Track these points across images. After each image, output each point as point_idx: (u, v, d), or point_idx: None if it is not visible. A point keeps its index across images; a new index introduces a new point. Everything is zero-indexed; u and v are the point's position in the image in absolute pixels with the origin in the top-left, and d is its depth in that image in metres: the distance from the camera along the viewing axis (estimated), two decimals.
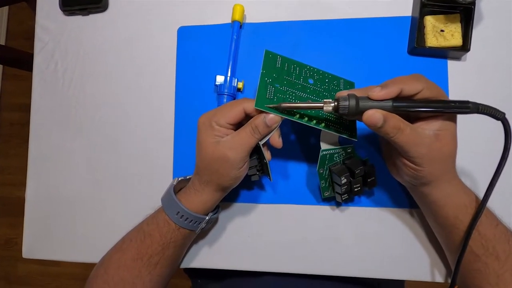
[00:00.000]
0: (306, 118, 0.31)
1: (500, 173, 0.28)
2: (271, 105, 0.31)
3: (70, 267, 1.13)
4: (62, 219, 0.44)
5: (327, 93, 0.35)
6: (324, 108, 0.29)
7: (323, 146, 0.34)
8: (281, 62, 0.34)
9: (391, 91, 0.28)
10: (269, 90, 0.32)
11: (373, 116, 0.28)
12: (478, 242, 0.30)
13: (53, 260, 0.43)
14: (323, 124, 0.32)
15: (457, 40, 0.38)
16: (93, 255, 0.38)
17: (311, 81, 0.35)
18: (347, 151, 0.35)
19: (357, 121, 0.34)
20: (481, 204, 0.29)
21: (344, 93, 0.30)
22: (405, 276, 0.37)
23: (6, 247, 1.19)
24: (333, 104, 0.29)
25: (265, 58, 0.33)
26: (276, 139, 0.33)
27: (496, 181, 0.29)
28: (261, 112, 0.31)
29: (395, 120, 0.28)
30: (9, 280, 1.17)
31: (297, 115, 0.31)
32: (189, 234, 0.36)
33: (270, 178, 0.36)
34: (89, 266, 0.38)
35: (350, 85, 0.37)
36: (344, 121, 0.33)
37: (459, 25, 0.38)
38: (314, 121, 0.31)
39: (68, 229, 0.43)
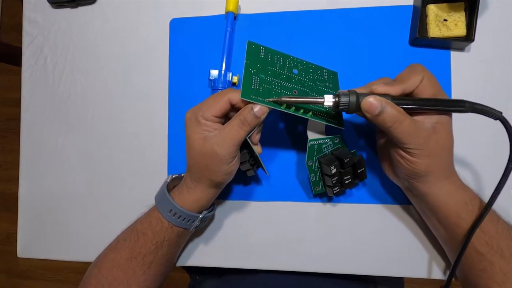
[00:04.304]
0: (293, 108, 0.31)
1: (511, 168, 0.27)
2: (271, 99, 0.30)
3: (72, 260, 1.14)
4: (56, 218, 0.43)
5: (312, 82, 0.34)
6: (325, 103, 0.29)
7: (310, 135, 0.34)
8: (265, 53, 0.34)
9: (394, 89, 0.28)
10: (254, 81, 0.31)
11: (372, 102, 0.27)
12: (482, 240, 0.30)
13: (48, 259, 0.43)
14: (310, 113, 0.31)
15: (460, 30, 0.36)
16: (88, 254, 0.37)
17: (295, 71, 0.34)
18: (334, 141, 0.34)
19: (344, 114, 0.33)
20: (491, 200, 0.29)
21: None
22: (401, 273, 0.37)
23: (7, 241, 1.19)
24: (333, 100, 0.29)
25: (248, 49, 0.33)
26: (254, 135, 0.32)
27: (507, 177, 0.27)
28: (248, 103, 0.30)
29: (395, 111, 0.27)
30: (10, 274, 1.18)
31: (284, 105, 0.30)
32: (183, 233, 0.35)
33: (265, 172, 0.36)
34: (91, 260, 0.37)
35: (333, 75, 0.37)
36: (331, 111, 0.33)
37: (463, 14, 0.36)
38: (302, 111, 0.31)
39: (62, 228, 0.43)
